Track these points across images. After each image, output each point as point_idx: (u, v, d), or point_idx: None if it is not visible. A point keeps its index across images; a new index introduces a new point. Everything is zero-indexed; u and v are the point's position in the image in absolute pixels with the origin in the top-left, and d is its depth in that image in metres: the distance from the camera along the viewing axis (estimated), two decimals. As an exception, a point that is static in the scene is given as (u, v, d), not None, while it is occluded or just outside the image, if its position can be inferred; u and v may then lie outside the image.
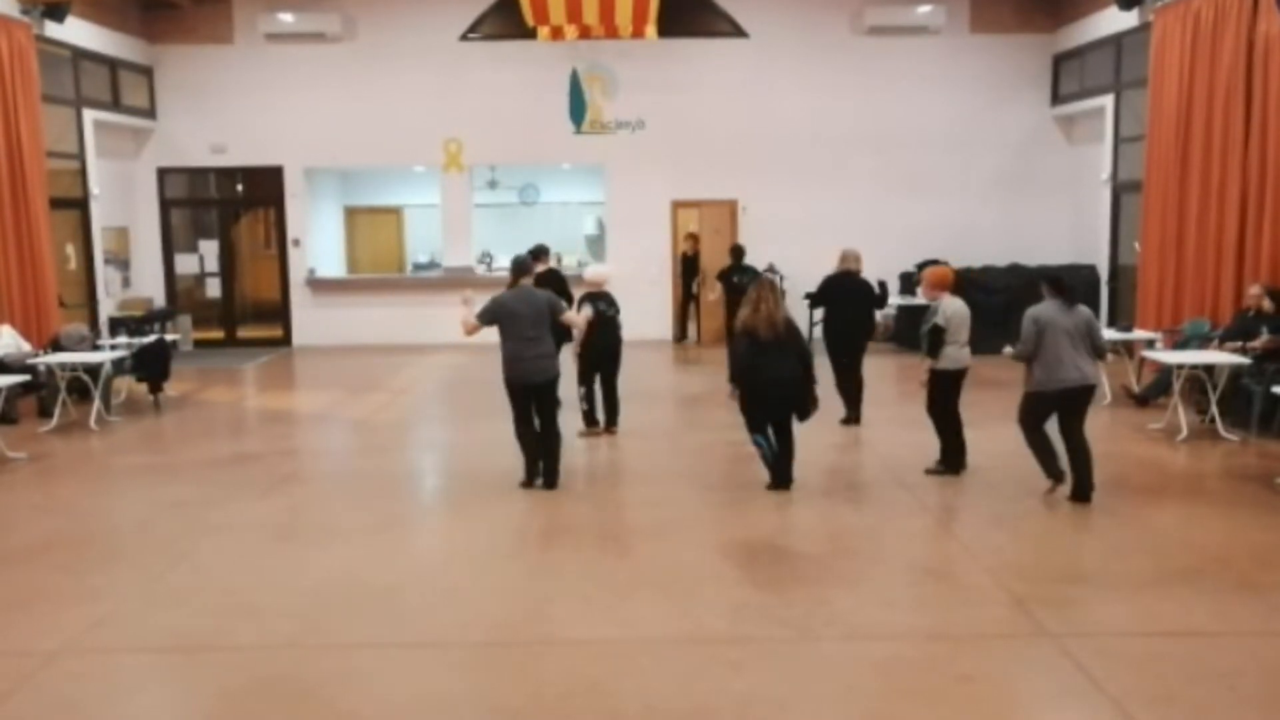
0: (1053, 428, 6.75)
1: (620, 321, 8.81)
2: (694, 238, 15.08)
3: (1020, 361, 6.74)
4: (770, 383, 6.82)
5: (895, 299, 14.25)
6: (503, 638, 4.71)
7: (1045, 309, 6.63)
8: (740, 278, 10.90)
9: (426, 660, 4.50)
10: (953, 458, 7.40)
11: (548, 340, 7.12)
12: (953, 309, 7.26)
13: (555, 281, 9.31)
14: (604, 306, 8.62)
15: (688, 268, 15.18)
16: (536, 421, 7.13)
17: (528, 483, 7.14)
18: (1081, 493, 6.65)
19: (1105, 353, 6.99)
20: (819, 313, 10.62)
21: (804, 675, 4.29)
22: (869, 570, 5.55)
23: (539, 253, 9.78)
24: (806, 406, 6.94)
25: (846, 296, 9.02)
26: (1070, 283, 6.76)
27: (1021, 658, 4.47)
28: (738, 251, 11.68)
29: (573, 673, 4.33)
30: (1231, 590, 5.17)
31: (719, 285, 11.63)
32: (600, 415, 8.94)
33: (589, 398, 8.87)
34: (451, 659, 4.53)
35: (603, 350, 8.72)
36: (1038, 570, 5.50)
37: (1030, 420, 6.76)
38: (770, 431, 6.99)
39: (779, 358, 6.79)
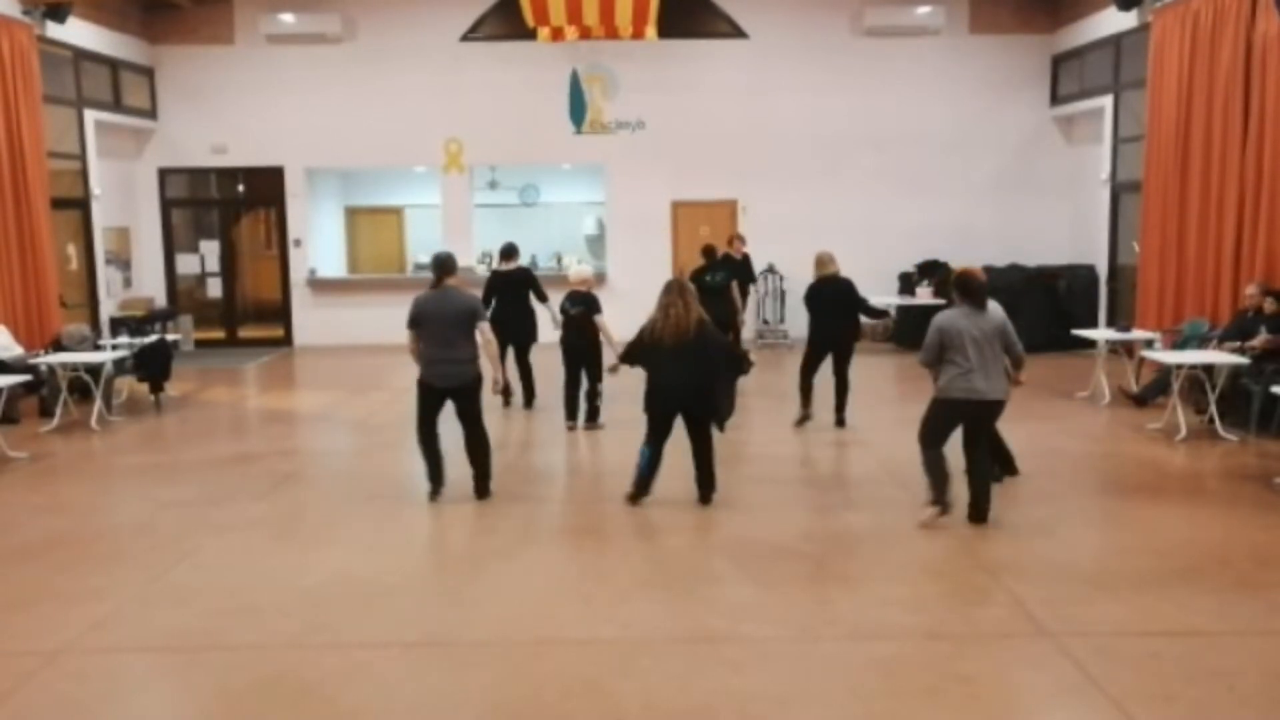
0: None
1: (590, 320, 8.86)
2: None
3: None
4: (669, 388, 6.52)
5: (894, 299, 14.28)
6: (503, 638, 4.72)
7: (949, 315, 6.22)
8: (713, 276, 10.99)
9: (426, 660, 4.51)
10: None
11: (466, 345, 6.82)
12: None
13: (526, 279, 9.92)
14: (566, 305, 8.96)
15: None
16: (462, 429, 6.89)
17: (433, 494, 6.89)
18: (977, 514, 6.21)
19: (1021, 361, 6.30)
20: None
21: (804, 675, 4.30)
22: (869, 570, 5.56)
23: (508, 252, 10.08)
24: (717, 410, 6.60)
25: (830, 302, 8.91)
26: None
27: (1021, 657, 4.48)
28: (709, 251, 11.49)
29: (573, 672, 4.34)
30: (1231, 590, 5.18)
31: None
32: (597, 411, 9.16)
33: (568, 394, 9.15)
34: (451, 659, 4.54)
35: (567, 348, 9.06)
36: (1037, 570, 5.50)
37: (928, 435, 6.20)
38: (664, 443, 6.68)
39: (681, 362, 6.43)
